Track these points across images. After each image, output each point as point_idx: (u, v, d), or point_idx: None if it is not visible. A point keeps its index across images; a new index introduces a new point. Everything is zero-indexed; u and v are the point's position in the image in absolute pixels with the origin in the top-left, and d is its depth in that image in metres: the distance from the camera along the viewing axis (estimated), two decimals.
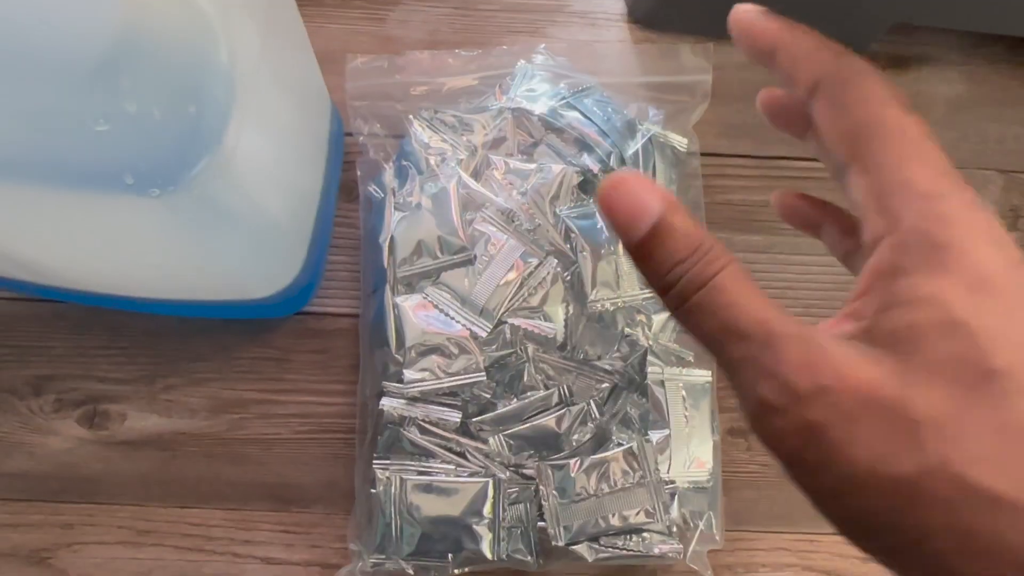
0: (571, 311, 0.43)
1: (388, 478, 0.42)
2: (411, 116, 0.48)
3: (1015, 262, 0.19)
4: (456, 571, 0.42)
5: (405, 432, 0.43)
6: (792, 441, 0.19)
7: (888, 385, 0.18)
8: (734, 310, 0.19)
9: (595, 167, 0.46)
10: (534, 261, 0.43)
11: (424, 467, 0.42)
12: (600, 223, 0.44)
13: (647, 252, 0.20)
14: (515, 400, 0.43)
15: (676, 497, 0.43)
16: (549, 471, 0.42)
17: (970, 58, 0.54)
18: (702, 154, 0.50)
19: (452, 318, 0.43)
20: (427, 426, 0.43)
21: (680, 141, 0.48)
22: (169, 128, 0.27)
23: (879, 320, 0.19)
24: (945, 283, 0.18)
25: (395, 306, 0.43)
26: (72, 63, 0.26)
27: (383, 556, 0.42)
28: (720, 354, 0.20)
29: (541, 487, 0.42)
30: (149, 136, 0.27)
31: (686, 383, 0.45)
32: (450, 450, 0.43)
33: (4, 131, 0.26)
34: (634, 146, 0.47)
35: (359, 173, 0.48)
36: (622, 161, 0.46)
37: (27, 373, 0.47)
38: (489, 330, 0.42)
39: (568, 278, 0.44)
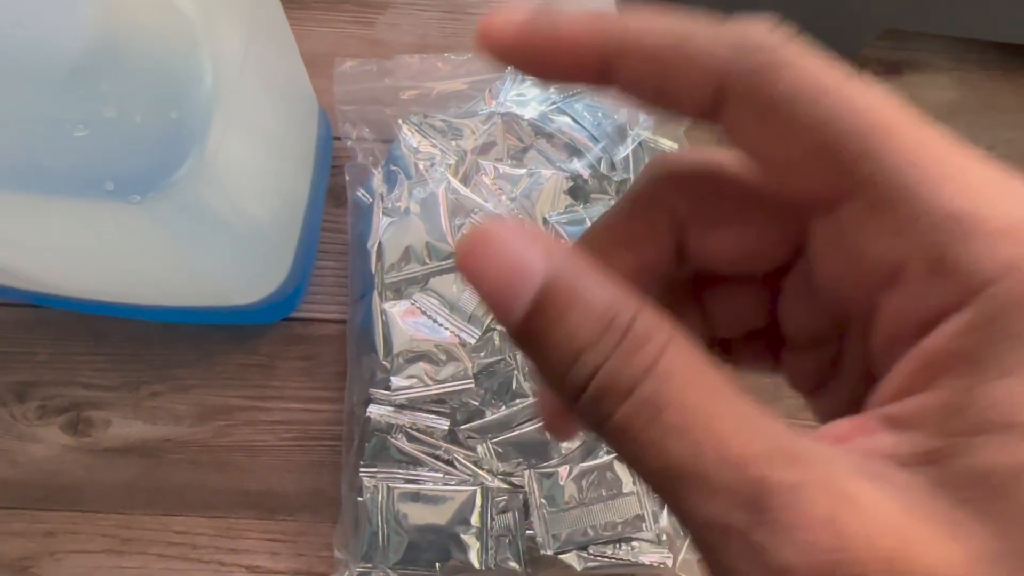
0: None
1: (375, 486, 0.42)
2: (400, 120, 0.47)
3: None
4: None
5: (392, 440, 0.42)
6: None
7: None
8: (691, 438, 0.12)
9: (585, 172, 0.45)
10: None
11: (411, 475, 0.42)
12: None
13: (534, 338, 0.13)
14: (504, 408, 0.42)
15: (665, 506, 0.43)
16: (538, 479, 0.41)
17: (962, 64, 0.54)
18: None
19: (440, 325, 0.42)
20: (415, 433, 0.42)
21: (671, 146, 0.48)
22: (150, 133, 0.27)
23: (959, 450, 0.11)
24: None
25: (383, 312, 0.43)
26: (50, 67, 0.25)
27: (370, 565, 0.41)
28: (677, 509, 0.12)
29: (530, 495, 0.41)
30: (129, 142, 0.27)
31: None
32: (438, 458, 0.42)
33: None
34: (624, 151, 0.47)
35: (347, 178, 0.48)
36: (612, 166, 0.46)
37: (10, 379, 0.46)
38: (478, 337, 0.42)
39: None
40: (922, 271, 0.13)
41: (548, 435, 0.20)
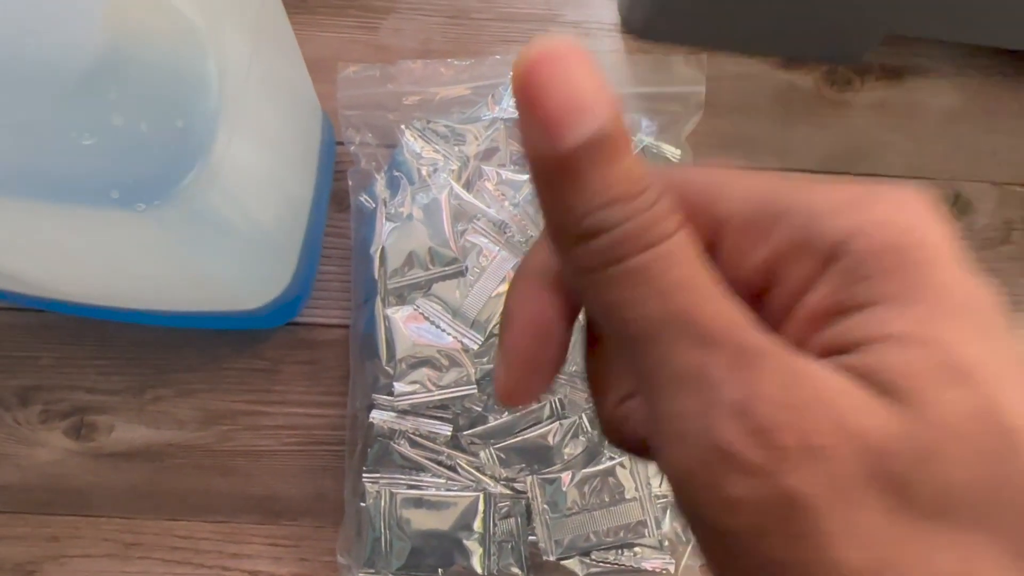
0: None
1: (378, 491, 0.42)
2: (403, 126, 0.47)
3: (981, 284, 0.15)
4: None
5: (395, 445, 0.42)
6: (755, 519, 0.13)
7: (905, 452, 0.13)
8: (693, 295, 0.14)
9: None
10: None
11: (414, 480, 0.42)
12: None
13: (574, 171, 0.14)
14: (506, 413, 0.42)
15: (668, 511, 0.43)
16: (540, 485, 0.42)
17: (963, 70, 0.54)
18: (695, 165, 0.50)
19: (443, 330, 0.42)
20: (417, 439, 0.42)
21: (673, 152, 0.48)
22: (156, 142, 0.27)
23: (867, 357, 0.14)
24: (934, 315, 0.14)
25: (386, 318, 0.43)
26: (58, 75, 0.25)
27: (372, 570, 0.41)
28: (651, 355, 0.14)
29: (532, 501, 0.42)
30: (136, 150, 0.27)
31: None
32: (440, 463, 0.42)
33: None
34: None
35: (350, 183, 0.48)
36: None
37: (14, 383, 0.46)
38: (480, 342, 0.42)
39: None
40: (788, 259, 0.15)
41: (499, 402, 0.20)
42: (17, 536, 0.44)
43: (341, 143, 0.49)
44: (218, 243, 0.35)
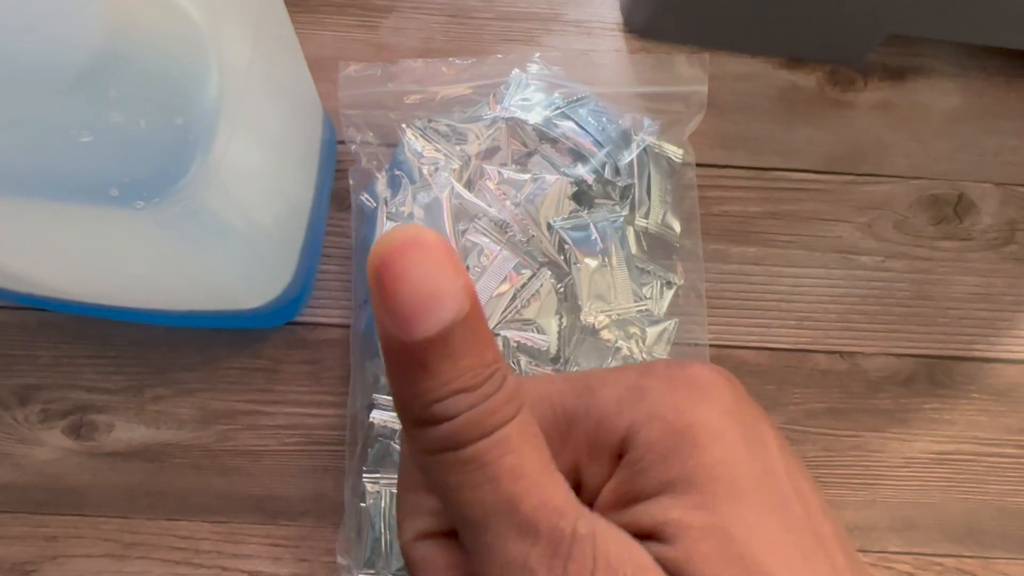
0: (564, 323, 0.43)
1: (378, 491, 0.41)
2: (404, 125, 0.47)
3: (751, 451, 0.16)
4: None
5: (396, 445, 0.42)
6: None
7: None
8: (522, 483, 0.15)
9: (589, 177, 0.45)
10: (527, 273, 0.43)
11: None
12: (594, 234, 0.44)
13: (422, 361, 0.14)
14: None
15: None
16: None
17: (967, 70, 0.54)
18: (697, 165, 0.50)
19: None
20: None
21: (675, 152, 0.48)
22: (155, 139, 0.27)
23: (668, 549, 0.15)
24: (712, 500, 0.15)
25: None
26: (56, 72, 0.25)
27: (372, 571, 0.41)
28: (482, 540, 0.15)
29: None
30: (135, 148, 0.26)
31: None
32: None
33: None
34: (629, 156, 0.46)
35: (351, 182, 0.48)
36: (616, 171, 0.46)
37: (12, 382, 0.46)
38: None
39: (562, 290, 0.43)
40: (588, 457, 0.18)
41: None
42: (15, 536, 0.44)
43: (342, 142, 0.49)
44: (218, 242, 0.34)
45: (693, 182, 0.49)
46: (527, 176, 0.45)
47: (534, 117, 0.46)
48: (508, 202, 0.44)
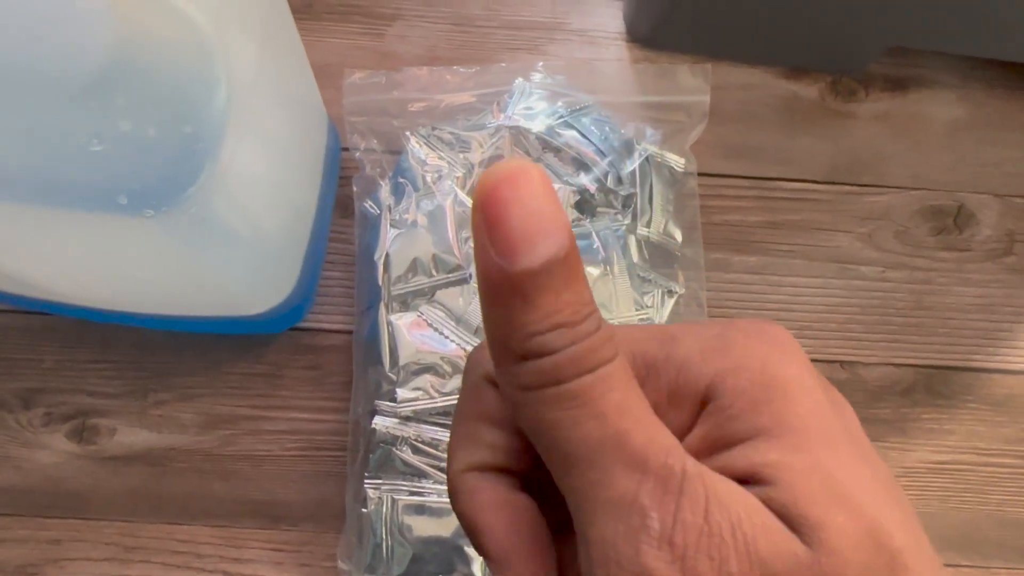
0: None
1: (380, 497, 0.42)
2: (408, 133, 0.47)
3: (834, 408, 0.16)
4: None
5: (397, 451, 0.42)
6: None
7: None
8: (628, 420, 0.15)
9: (592, 186, 0.46)
10: None
11: (416, 487, 0.42)
12: (596, 243, 0.44)
13: (524, 292, 0.14)
14: None
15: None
16: None
17: (967, 82, 0.54)
18: (699, 174, 0.50)
19: (447, 337, 0.42)
20: (420, 446, 0.42)
21: (677, 161, 0.48)
22: (164, 147, 0.27)
23: (772, 490, 0.15)
24: (805, 445, 0.15)
25: (389, 324, 0.43)
26: (66, 80, 0.25)
27: None
28: (585, 477, 0.15)
29: None
30: (143, 156, 0.27)
31: None
32: (442, 470, 0.42)
33: None
34: (631, 165, 0.47)
35: (355, 189, 0.48)
36: (619, 180, 0.46)
37: (16, 386, 0.46)
38: None
39: None
40: (670, 401, 0.17)
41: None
42: (17, 539, 0.44)
43: (346, 149, 0.49)
44: (223, 248, 0.35)
45: (695, 191, 0.49)
46: None
47: (537, 126, 0.47)
48: None
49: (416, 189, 0.46)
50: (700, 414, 0.17)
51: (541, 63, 0.50)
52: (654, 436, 0.15)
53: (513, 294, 0.14)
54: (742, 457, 0.15)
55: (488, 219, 0.14)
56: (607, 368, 0.15)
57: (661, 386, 0.17)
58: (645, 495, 0.14)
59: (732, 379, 0.16)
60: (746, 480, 0.15)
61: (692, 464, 0.15)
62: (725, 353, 0.17)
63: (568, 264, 0.14)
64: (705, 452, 0.16)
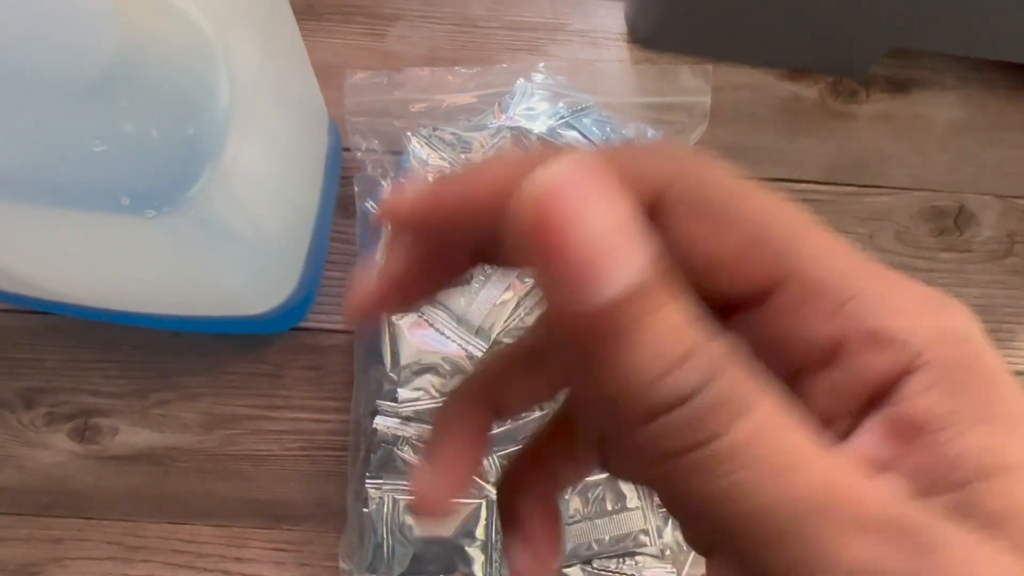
0: None
1: (381, 497, 0.42)
2: (409, 133, 0.48)
3: None
4: None
5: (398, 451, 0.42)
6: None
7: None
8: (819, 467, 0.11)
9: None
10: (530, 281, 0.43)
11: None
12: None
13: (614, 331, 0.11)
14: (509, 421, 0.42)
15: (669, 521, 0.43)
16: None
17: (968, 82, 0.54)
18: None
19: (448, 337, 0.43)
20: (421, 445, 0.42)
21: None
22: (166, 148, 0.27)
23: (977, 494, 0.11)
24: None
25: (391, 324, 0.43)
26: (69, 82, 0.25)
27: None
28: (791, 551, 0.11)
29: None
30: (146, 157, 0.27)
31: None
32: None
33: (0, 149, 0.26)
34: None
35: (356, 189, 0.48)
36: None
37: (18, 385, 0.46)
38: (484, 350, 0.42)
39: None
40: (860, 346, 0.13)
41: (413, 513, 0.19)
42: (20, 538, 0.45)
43: (348, 149, 0.49)
44: (225, 249, 0.35)
45: None
46: None
47: (538, 126, 0.47)
48: None
49: None
50: (904, 374, 0.13)
51: (542, 64, 0.50)
52: (867, 485, 0.11)
53: (601, 337, 0.11)
54: (975, 452, 0.12)
55: (539, 253, 0.10)
56: (762, 405, 0.11)
57: (851, 324, 0.13)
58: (888, 561, 0.10)
59: (943, 348, 0.13)
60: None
61: (918, 510, 0.11)
62: (933, 314, 0.13)
63: (659, 280, 0.11)
64: (920, 422, 0.12)
